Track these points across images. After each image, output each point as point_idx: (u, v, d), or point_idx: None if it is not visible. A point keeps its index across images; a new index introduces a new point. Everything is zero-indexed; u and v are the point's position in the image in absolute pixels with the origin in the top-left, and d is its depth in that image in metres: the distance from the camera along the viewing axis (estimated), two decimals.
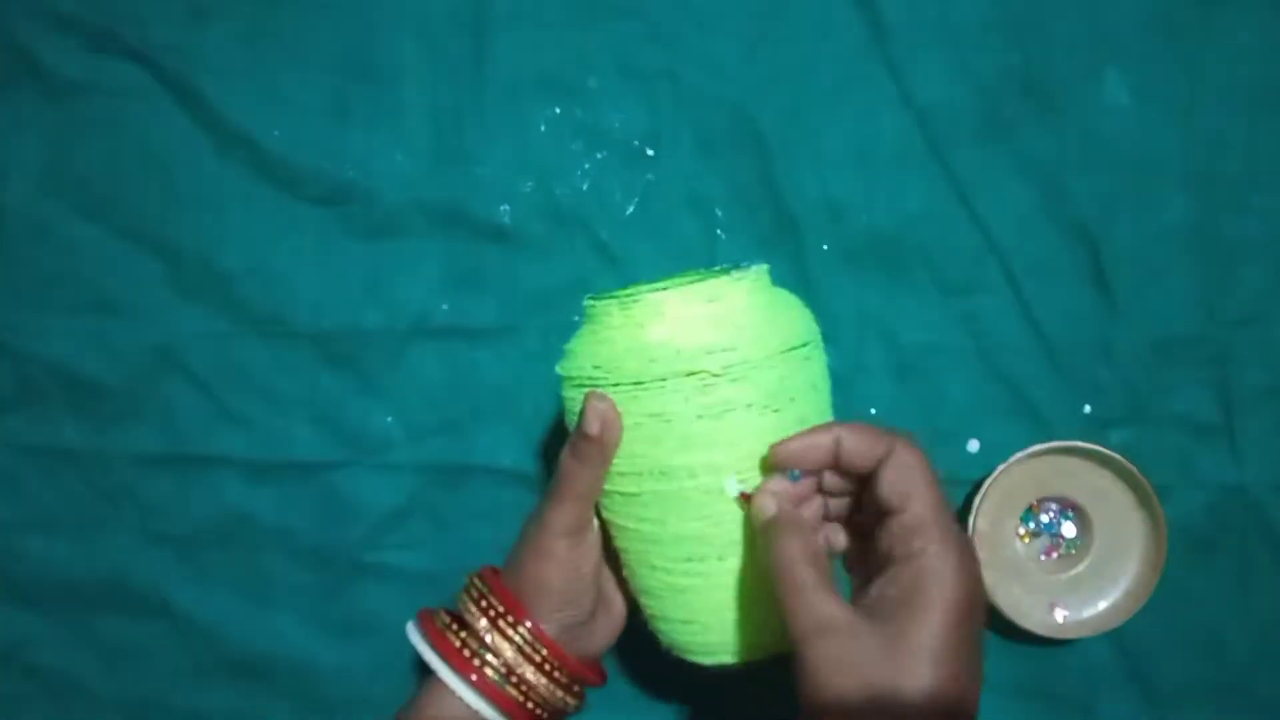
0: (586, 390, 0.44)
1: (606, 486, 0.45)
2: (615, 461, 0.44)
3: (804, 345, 0.44)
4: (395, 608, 0.60)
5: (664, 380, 0.42)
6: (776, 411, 0.43)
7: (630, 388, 0.43)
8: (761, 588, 0.44)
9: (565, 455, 0.45)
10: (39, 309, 0.60)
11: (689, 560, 0.44)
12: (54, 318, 0.60)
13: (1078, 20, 0.58)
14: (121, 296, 0.60)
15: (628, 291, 0.44)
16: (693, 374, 0.42)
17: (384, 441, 0.60)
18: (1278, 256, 0.58)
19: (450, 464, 0.60)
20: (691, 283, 0.43)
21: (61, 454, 0.60)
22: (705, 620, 0.45)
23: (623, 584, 0.50)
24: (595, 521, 0.47)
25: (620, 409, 0.43)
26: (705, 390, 0.42)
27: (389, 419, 0.60)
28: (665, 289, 0.43)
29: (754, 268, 0.45)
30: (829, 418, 0.46)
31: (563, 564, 0.46)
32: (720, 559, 0.44)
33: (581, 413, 0.43)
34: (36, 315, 0.60)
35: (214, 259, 0.60)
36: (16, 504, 0.60)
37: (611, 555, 0.49)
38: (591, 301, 0.45)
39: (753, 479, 0.43)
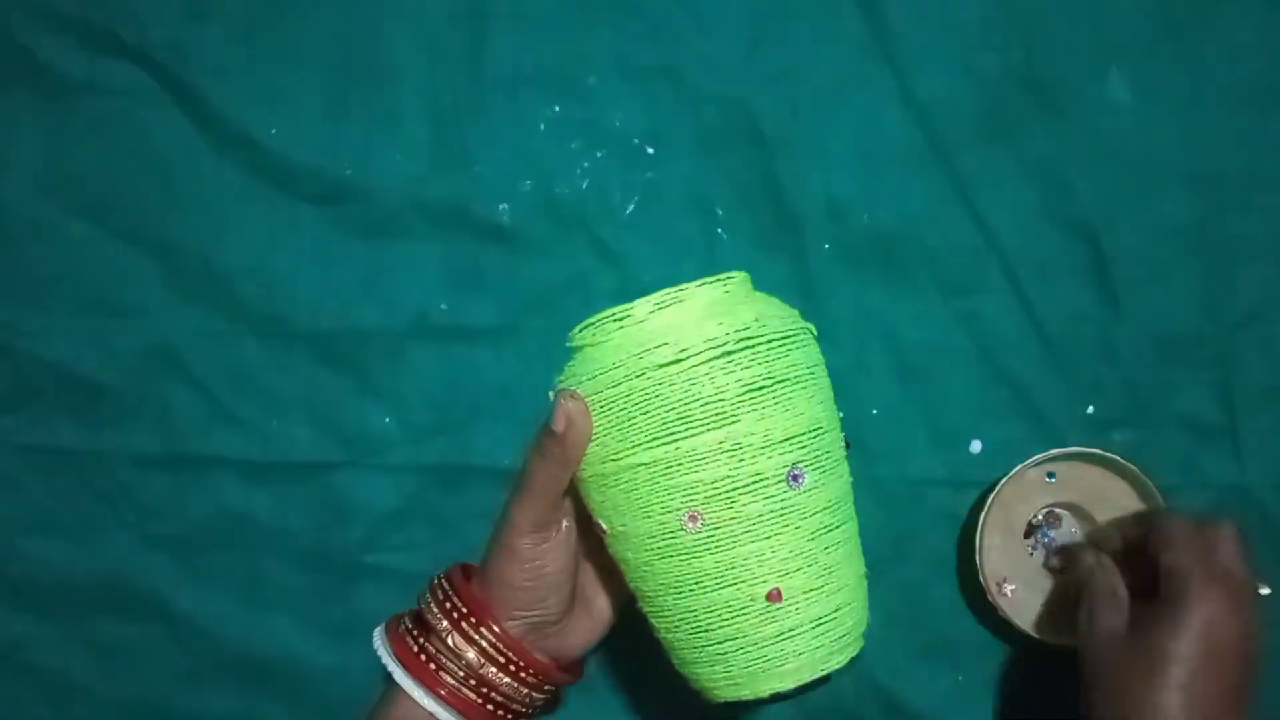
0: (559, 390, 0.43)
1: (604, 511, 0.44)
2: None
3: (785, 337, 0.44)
4: (394, 609, 0.59)
5: (640, 375, 0.41)
6: (762, 390, 0.42)
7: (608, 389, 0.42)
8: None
9: (530, 451, 0.45)
10: (36, 309, 0.60)
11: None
12: (51, 318, 0.60)
13: (1079, 19, 0.58)
14: (119, 296, 0.60)
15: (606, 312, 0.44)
16: (666, 365, 0.41)
17: (383, 442, 0.60)
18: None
19: (450, 464, 0.60)
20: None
21: (59, 454, 0.60)
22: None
23: (608, 583, 0.50)
24: (565, 523, 0.47)
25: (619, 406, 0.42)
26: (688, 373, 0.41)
27: (388, 419, 0.60)
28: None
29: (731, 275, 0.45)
30: (829, 405, 0.45)
31: (526, 562, 0.46)
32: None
33: (551, 410, 0.43)
34: (34, 315, 0.60)
35: (212, 259, 0.60)
36: (14, 504, 0.60)
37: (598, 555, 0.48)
38: (572, 333, 0.45)
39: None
